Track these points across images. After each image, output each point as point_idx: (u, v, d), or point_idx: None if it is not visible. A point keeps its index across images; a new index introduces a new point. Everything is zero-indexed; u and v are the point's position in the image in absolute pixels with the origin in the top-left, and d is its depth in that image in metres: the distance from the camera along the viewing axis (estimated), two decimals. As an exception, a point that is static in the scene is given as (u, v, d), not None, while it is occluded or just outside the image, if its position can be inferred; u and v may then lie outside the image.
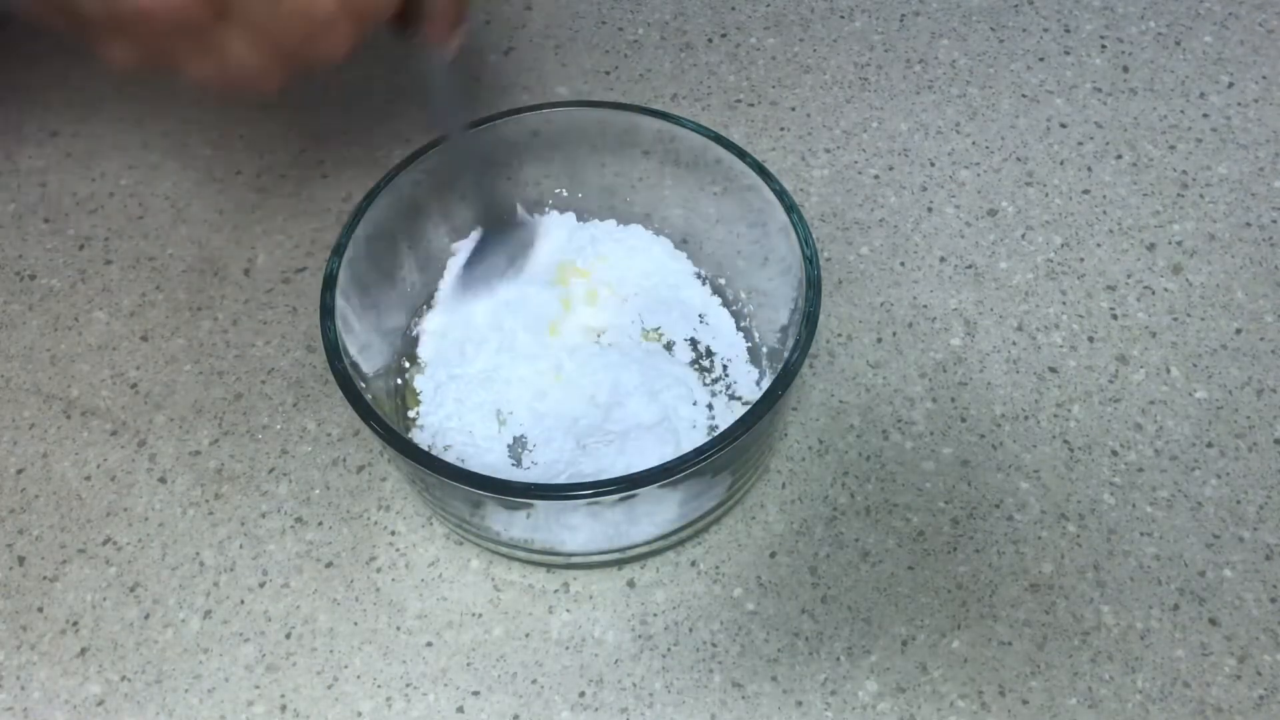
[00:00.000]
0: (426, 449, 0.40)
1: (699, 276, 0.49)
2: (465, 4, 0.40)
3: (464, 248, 0.48)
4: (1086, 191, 0.55)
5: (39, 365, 0.50)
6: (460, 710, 0.41)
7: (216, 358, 0.50)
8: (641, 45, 0.62)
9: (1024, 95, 0.59)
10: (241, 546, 0.45)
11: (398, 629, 0.43)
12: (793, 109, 0.59)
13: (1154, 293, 0.52)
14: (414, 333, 0.47)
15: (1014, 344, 0.50)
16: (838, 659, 0.42)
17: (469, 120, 0.44)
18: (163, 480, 0.47)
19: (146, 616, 0.43)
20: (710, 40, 0.62)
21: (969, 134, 0.58)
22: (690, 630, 0.43)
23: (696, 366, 0.47)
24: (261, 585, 0.44)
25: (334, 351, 0.39)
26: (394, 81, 0.60)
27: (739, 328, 0.48)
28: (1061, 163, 0.56)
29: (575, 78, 0.60)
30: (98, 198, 0.56)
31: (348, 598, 0.44)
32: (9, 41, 0.62)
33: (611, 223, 0.50)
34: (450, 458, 0.43)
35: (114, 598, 0.44)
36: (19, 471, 0.47)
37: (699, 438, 0.44)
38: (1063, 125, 0.58)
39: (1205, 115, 0.58)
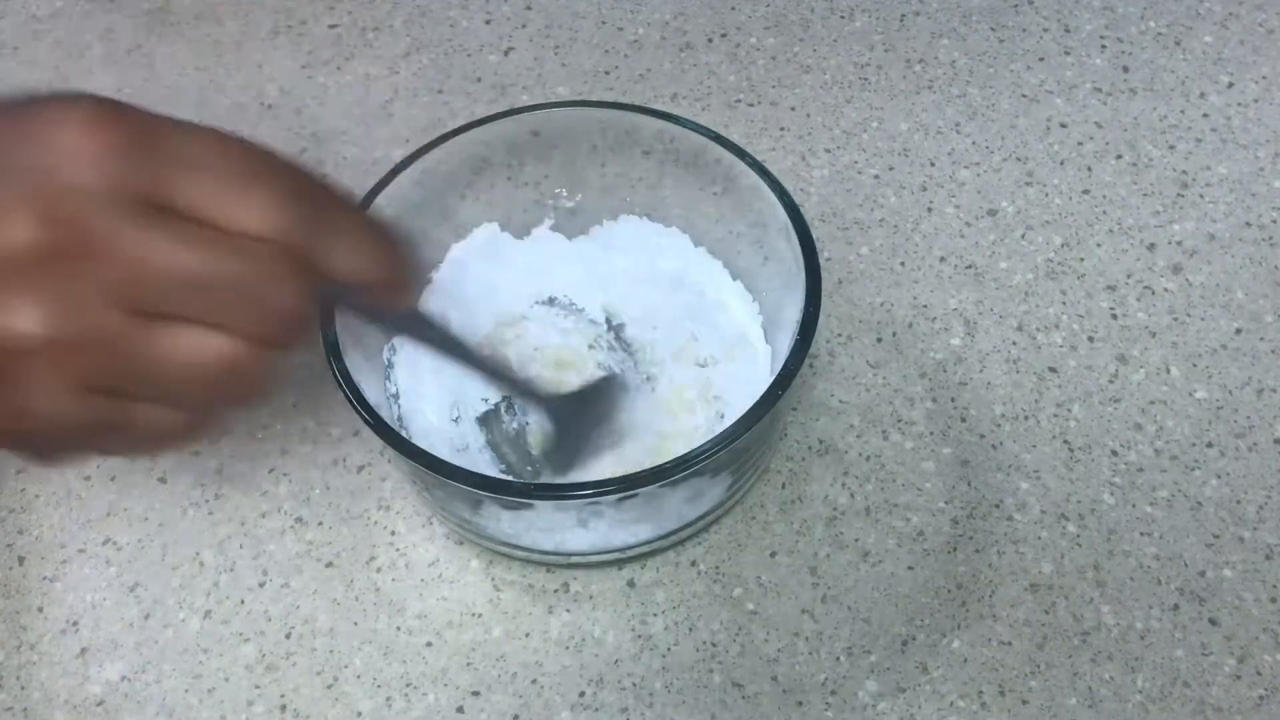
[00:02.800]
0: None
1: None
2: (405, 267, 0.35)
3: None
4: (1086, 191, 0.55)
5: (39, 365, 0.50)
6: (460, 710, 0.41)
7: (216, 358, 0.50)
8: (641, 45, 0.62)
9: (1024, 95, 0.59)
10: (241, 546, 0.45)
11: (398, 629, 0.43)
12: (793, 109, 0.59)
13: (1154, 293, 0.52)
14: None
15: (1014, 344, 0.50)
16: (838, 659, 0.42)
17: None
18: (163, 480, 0.47)
19: (146, 616, 0.43)
20: (710, 40, 0.62)
21: (969, 134, 0.58)
22: (690, 630, 0.43)
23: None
24: (261, 585, 0.44)
25: (334, 351, 0.39)
26: (393, 82, 0.60)
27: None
28: (1061, 163, 0.56)
29: (575, 78, 0.60)
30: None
31: (348, 598, 0.44)
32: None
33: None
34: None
35: (114, 598, 0.44)
36: (19, 472, 0.47)
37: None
38: (1063, 125, 0.58)
39: (1205, 115, 0.58)
